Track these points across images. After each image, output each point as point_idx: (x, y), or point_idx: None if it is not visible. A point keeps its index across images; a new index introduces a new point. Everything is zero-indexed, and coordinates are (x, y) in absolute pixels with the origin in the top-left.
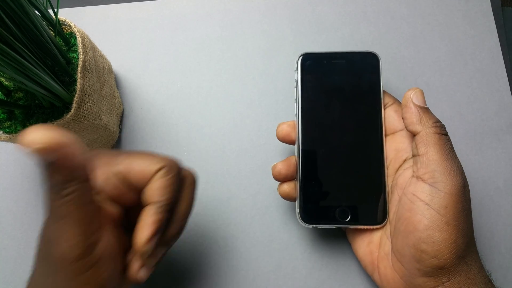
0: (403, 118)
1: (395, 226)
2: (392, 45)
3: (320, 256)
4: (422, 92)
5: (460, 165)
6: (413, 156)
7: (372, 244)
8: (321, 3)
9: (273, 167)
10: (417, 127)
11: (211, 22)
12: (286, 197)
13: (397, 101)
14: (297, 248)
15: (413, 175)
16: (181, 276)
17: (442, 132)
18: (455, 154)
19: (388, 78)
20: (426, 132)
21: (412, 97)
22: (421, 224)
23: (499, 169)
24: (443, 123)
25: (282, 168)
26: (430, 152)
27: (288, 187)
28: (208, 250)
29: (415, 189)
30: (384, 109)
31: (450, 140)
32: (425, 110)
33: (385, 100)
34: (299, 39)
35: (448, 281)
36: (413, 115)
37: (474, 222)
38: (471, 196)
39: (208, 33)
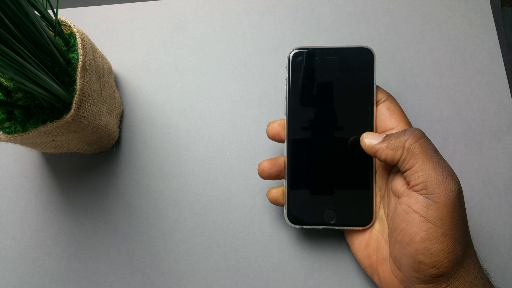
0: (383, 161)
1: (392, 235)
2: (392, 45)
3: (320, 256)
4: (368, 133)
5: (450, 168)
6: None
7: (370, 248)
8: (321, 3)
9: (259, 164)
10: (396, 155)
11: (211, 22)
12: (275, 203)
13: (390, 97)
14: (297, 248)
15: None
16: (181, 276)
17: (418, 138)
18: (441, 156)
19: (388, 78)
20: (406, 148)
21: (369, 142)
22: (418, 236)
23: (499, 169)
24: (443, 123)
25: (266, 166)
26: (417, 163)
27: (276, 193)
28: (208, 250)
29: (409, 201)
30: (377, 106)
31: (429, 141)
32: (386, 137)
33: (378, 96)
34: (299, 39)
35: (447, 287)
36: (385, 151)
37: (473, 222)
38: (470, 196)
39: (208, 33)
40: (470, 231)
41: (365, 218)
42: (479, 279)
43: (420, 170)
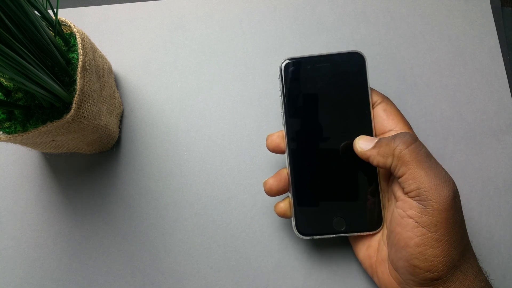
0: (377, 166)
1: (389, 237)
2: (392, 45)
3: (320, 256)
4: (361, 137)
5: (445, 172)
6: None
7: (371, 249)
8: (321, 3)
9: (264, 184)
10: (387, 162)
11: (211, 22)
12: (283, 216)
13: (385, 99)
14: (297, 248)
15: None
16: (181, 276)
17: (408, 144)
18: (434, 160)
19: (388, 78)
20: (396, 155)
21: (361, 148)
22: (412, 241)
23: (499, 169)
24: (443, 123)
25: (273, 184)
26: (408, 171)
27: (284, 206)
28: (208, 250)
29: (403, 206)
30: (373, 109)
31: (420, 146)
32: (378, 143)
33: (373, 98)
34: (299, 39)
35: None
36: (376, 158)
37: (473, 222)
38: (470, 196)
39: (208, 33)
40: (470, 231)
41: (374, 223)
42: (477, 282)
43: (412, 177)
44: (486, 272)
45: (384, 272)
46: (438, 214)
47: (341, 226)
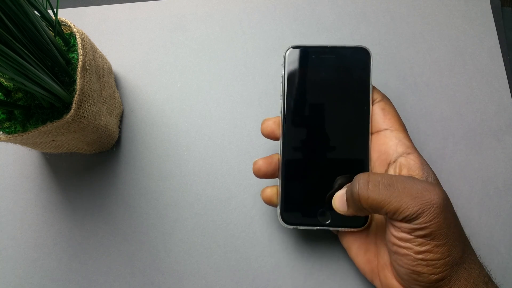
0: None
1: (387, 244)
2: (392, 45)
3: (320, 256)
4: (336, 197)
5: (421, 183)
6: None
7: (369, 253)
8: (321, 3)
9: (254, 163)
10: (365, 212)
11: (211, 22)
12: (269, 203)
13: (385, 98)
14: (297, 248)
15: None
16: (181, 276)
17: (365, 183)
18: (400, 178)
19: (387, 78)
20: (367, 205)
21: (340, 210)
22: (411, 250)
23: (499, 169)
24: (443, 123)
25: (262, 165)
26: (385, 206)
27: (271, 192)
28: (208, 250)
29: (395, 226)
30: (372, 106)
31: (376, 175)
32: (347, 202)
33: (373, 96)
34: (299, 39)
35: None
36: (358, 213)
37: (473, 222)
38: (470, 196)
39: (208, 33)
40: (470, 231)
41: (360, 219)
42: (481, 277)
43: (391, 210)
44: (486, 267)
45: (387, 276)
46: (431, 226)
47: (326, 219)
